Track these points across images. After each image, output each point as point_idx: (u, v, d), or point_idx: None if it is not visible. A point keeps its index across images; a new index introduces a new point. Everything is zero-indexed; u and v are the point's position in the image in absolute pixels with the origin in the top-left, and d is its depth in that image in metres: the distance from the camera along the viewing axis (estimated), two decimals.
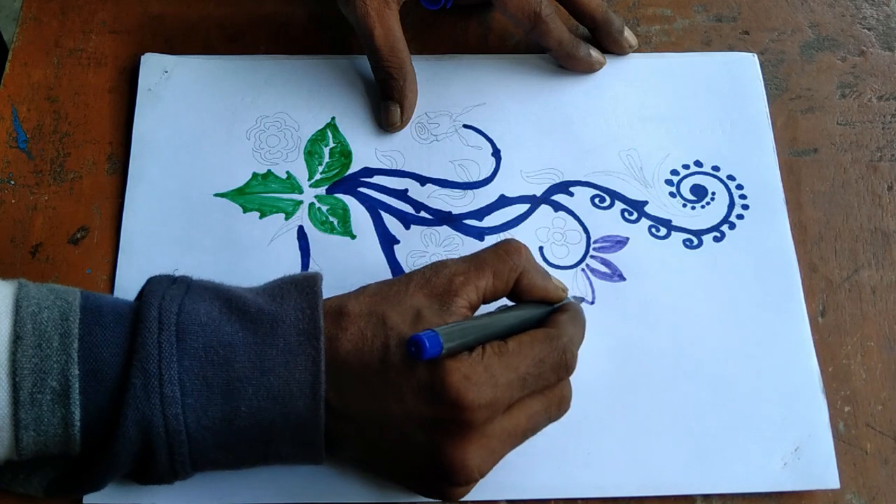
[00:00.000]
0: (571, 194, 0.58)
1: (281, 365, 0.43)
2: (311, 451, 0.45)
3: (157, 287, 0.45)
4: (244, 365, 0.43)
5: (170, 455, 0.43)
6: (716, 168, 0.59)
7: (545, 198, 0.58)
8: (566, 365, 0.46)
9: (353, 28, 0.59)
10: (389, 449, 0.46)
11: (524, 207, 0.57)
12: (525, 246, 0.48)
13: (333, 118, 0.60)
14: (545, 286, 0.48)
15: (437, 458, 0.44)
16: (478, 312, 0.48)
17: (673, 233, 0.57)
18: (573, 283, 0.55)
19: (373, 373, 0.44)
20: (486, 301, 0.47)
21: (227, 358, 0.43)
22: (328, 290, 0.46)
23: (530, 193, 0.58)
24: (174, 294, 0.45)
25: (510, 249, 0.48)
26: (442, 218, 0.57)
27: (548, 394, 0.46)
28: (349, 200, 0.57)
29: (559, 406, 0.47)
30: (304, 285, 0.46)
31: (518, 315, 0.47)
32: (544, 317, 0.48)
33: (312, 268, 0.54)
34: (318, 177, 0.58)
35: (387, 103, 0.59)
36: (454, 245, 0.56)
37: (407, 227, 0.56)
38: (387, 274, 0.55)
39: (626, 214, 0.57)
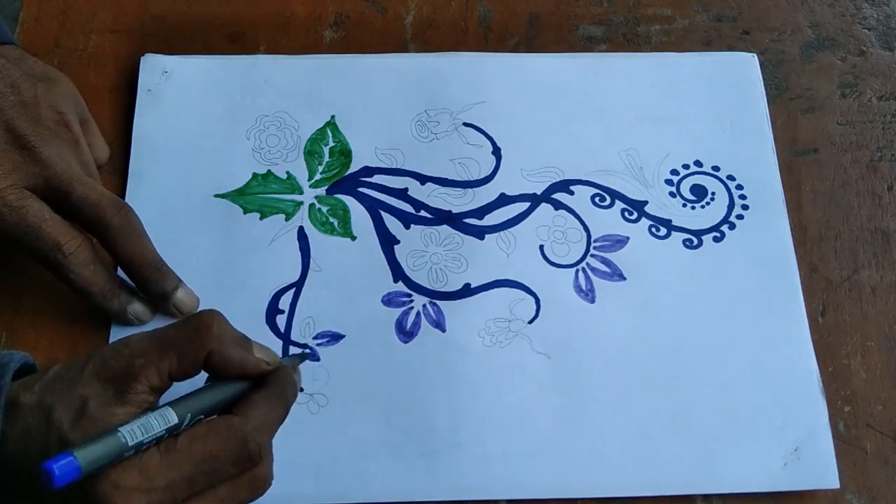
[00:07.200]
0: (572, 193, 0.58)
1: None
2: None
3: None
4: None
5: None
6: (716, 168, 0.59)
7: (546, 196, 0.58)
8: (249, 456, 0.41)
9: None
10: None
11: (524, 206, 0.57)
12: (219, 318, 0.43)
13: (333, 117, 0.60)
14: (242, 362, 0.43)
15: None
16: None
17: (673, 233, 0.57)
18: (574, 282, 0.55)
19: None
20: (176, 380, 0.43)
21: None
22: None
23: (531, 192, 0.58)
24: None
25: (199, 326, 0.43)
26: (442, 217, 0.57)
27: (232, 485, 0.42)
28: (349, 201, 0.57)
29: (252, 491, 0.43)
30: None
31: (211, 396, 0.43)
32: (243, 393, 0.44)
33: (313, 269, 0.54)
34: (318, 177, 0.58)
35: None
36: (454, 244, 0.56)
37: (407, 227, 0.56)
38: (386, 274, 0.55)
39: (626, 214, 0.57)
